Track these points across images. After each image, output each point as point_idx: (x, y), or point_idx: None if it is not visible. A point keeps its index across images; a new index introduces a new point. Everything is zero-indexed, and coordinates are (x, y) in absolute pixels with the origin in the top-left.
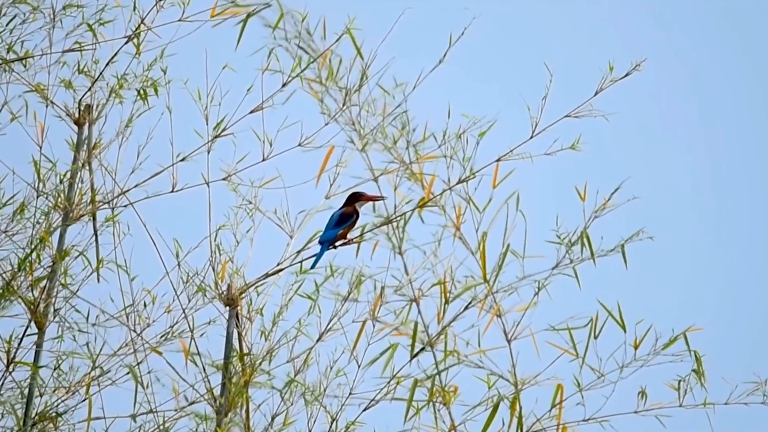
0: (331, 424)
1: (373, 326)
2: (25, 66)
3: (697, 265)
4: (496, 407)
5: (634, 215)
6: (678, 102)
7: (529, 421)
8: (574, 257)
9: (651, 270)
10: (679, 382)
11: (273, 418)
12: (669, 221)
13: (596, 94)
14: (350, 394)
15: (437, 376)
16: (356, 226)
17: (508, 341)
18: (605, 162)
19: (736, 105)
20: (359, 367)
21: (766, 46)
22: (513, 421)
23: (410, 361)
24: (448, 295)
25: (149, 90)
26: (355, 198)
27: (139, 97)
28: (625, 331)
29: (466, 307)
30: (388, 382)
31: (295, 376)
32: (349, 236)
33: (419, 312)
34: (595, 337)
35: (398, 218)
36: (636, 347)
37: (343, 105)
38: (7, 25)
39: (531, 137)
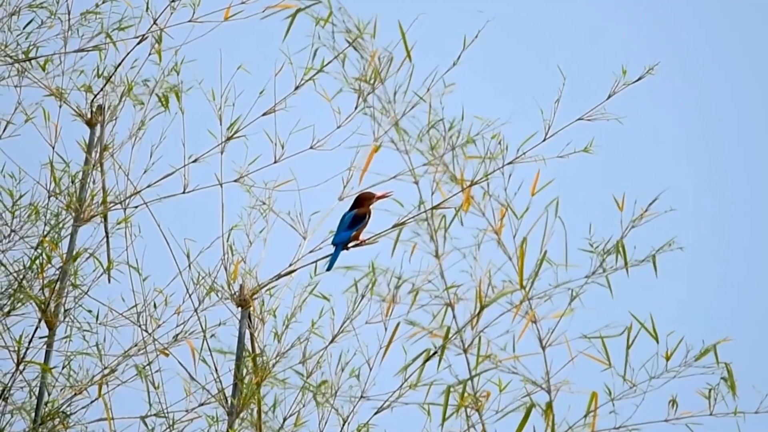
0: (343, 425)
1: (395, 326)
2: (43, 69)
3: (726, 273)
4: (528, 413)
5: (664, 225)
6: (704, 107)
7: (561, 429)
8: (607, 267)
9: (683, 279)
10: (710, 390)
11: (285, 420)
12: (701, 230)
13: (609, 97)
14: (361, 397)
15: (469, 382)
16: (368, 227)
17: (543, 348)
18: (638, 170)
19: (759, 110)
20: (370, 369)
21: None
22: (545, 428)
23: (427, 360)
24: (483, 299)
25: (170, 96)
26: (366, 199)
27: (159, 103)
28: (657, 342)
29: (484, 306)
30: (401, 386)
31: (307, 377)
32: (361, 237)
33: (454, 316)
34: (628, 347)
35: (423, 213)
36: (668, 359)
37: (356, 109)
38: (23, 28)
39: (544, 140)
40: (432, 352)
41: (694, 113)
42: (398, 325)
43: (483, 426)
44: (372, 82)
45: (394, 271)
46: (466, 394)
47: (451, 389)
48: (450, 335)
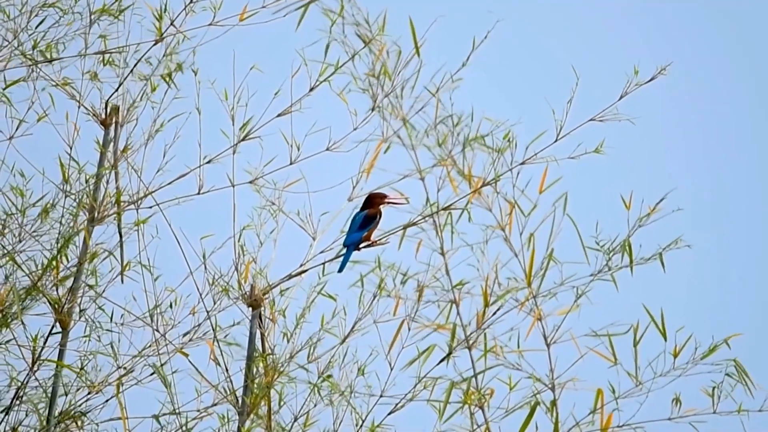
0: (360, 425)
1: (409, 328)
2: (50, 62)
3: (730, 271)
4: (533, 410)
5: (671, 223)
6: (711, 104)
7: (567, 425)
8: (613, 265)
9: (688, 278)
10: (714, 388)
11: (295, 419)
12: (708, 229)
13: (621, 97)
14: (381, 395)
15: (473, 379)
16: (378, 227)
17: (548, 345)
18: (645, 170)
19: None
20: (391, 369)
21: None
22: (552, 425)
23: (438, 363)
24: (488, 297)
25: (174, 73)
26: (377, 199)
27: (164, 81)
28: (665, 339)
29: (496, 306)
30: (415, 386)
31: (318, 377)
32: (373, 238)
33: (458, 313)
34: (635, 345)
35: (438, 213)
36: (675, 355)
37: (372, 110)
38: (36, 27)
39: (555, 140)
40: (446, 354)
41: (701, 114)
42: (403, 322)
43: (486, 423)
44: (379, 77)
45: (400, 267)
46: (470, 391)
47: (455, 386)
48: (455, 332)
